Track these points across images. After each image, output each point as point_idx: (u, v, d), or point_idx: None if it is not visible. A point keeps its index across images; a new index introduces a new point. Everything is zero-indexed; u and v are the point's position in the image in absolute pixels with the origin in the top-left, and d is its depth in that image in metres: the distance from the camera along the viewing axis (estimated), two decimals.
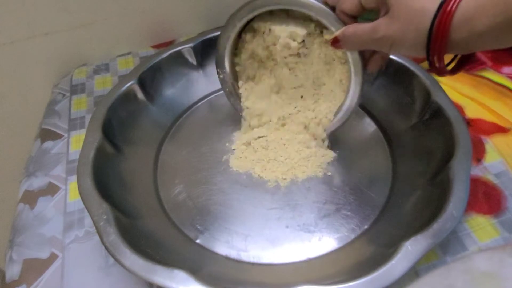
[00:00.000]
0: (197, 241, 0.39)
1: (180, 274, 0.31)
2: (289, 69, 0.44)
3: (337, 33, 0.35)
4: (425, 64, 0.32)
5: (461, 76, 0.53)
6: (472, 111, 0.49)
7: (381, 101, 0.49)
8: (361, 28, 0.33)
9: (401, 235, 0.34)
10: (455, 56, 0.33)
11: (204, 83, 0.53)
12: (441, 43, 0.28)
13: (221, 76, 0.46)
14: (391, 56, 0.47)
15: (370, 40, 0.32)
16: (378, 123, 0.49)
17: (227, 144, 0.48)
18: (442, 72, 0.31)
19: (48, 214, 0.43)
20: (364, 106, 0.50)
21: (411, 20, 0.29)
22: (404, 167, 0.43)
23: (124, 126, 0.46)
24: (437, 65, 0.30)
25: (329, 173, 0.44)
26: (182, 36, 0.64)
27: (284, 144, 0.46)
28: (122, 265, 0.32)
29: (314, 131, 0.45)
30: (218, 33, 0.43)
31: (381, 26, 0.31)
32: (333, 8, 0.36)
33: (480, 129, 0.47)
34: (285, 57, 0.43)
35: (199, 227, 0.40)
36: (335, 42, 0.36)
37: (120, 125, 0.45)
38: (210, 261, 0.37)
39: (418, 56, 0.33)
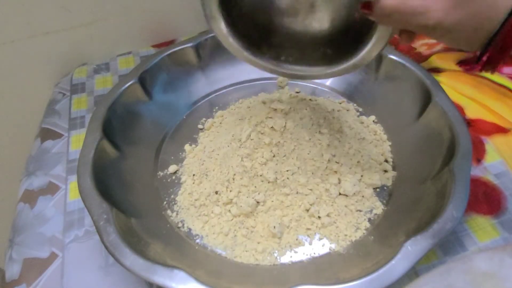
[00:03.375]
0: (197, 241, 0.39)
1: (180, 274, 0.31)
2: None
3: None
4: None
5: (461, 76, 0.53)
6: (472, 111, 0.49)
7: (381, 101, 0.49)
8: (409, 5, 0.25)
9: (401, 235, 0.34)
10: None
11: (204, 83, 0.53)
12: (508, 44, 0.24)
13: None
14: (392, 56, 0.47)
15: (415, 23, 0.25)
16: (378, 123, 0.49)
17: None
18: (491, 69, 0.26)
19: (48, 214, 0.43)
20: (365, 106, 0.51)
21: (478, 13, 0.23)
22: (404, 167, 0.43)
23: (124, 126, 0.46)
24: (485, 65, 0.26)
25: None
26: (182, 36, 0.64)
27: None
28: (122, 265, 0.32)
29: None
30: None
31: (437, 10, 0.24)
32: None
33: (480, 129, 0.47)
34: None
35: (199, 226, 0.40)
36: (366, 8, 0.27)
37: (120, 125, 0.45)
38: (210, 261, 0.37)
39: (466, 50, 0.28)
